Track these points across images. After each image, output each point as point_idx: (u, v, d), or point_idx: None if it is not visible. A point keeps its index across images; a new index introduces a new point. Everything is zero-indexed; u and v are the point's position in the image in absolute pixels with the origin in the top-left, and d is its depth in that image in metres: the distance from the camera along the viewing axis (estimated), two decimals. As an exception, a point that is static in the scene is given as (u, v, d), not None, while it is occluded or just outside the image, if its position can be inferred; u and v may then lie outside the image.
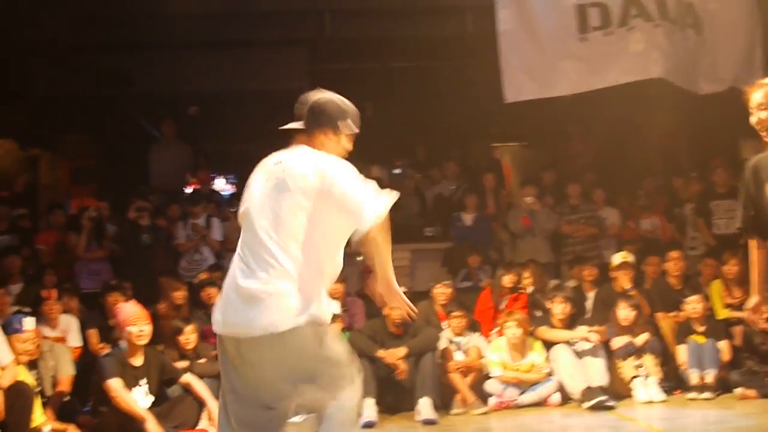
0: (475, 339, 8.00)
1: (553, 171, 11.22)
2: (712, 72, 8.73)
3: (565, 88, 8.62)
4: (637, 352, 7.75)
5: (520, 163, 13.75)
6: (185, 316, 7.73)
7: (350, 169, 3.58)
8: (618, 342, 7.81)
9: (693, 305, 7.92)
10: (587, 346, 7.72)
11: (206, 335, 7.69)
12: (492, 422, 7.20)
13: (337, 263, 3.68)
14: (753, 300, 4.46)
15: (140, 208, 9.59)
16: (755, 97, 4.21)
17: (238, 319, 3.52)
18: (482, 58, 9.54)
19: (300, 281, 3.49)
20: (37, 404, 6.14)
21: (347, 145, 3.82)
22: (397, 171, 15.02)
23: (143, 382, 6.48)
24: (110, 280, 8.70)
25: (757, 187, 4.34)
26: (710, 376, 7.50)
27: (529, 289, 8.80)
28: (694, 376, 7.55)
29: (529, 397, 7.61)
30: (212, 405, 6.37)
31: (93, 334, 8.02)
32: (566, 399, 7.63)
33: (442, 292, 8.32)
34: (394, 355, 7.39)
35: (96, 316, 8.27)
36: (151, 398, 6.51)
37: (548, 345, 7.86)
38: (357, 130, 3.81)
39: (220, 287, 3.93)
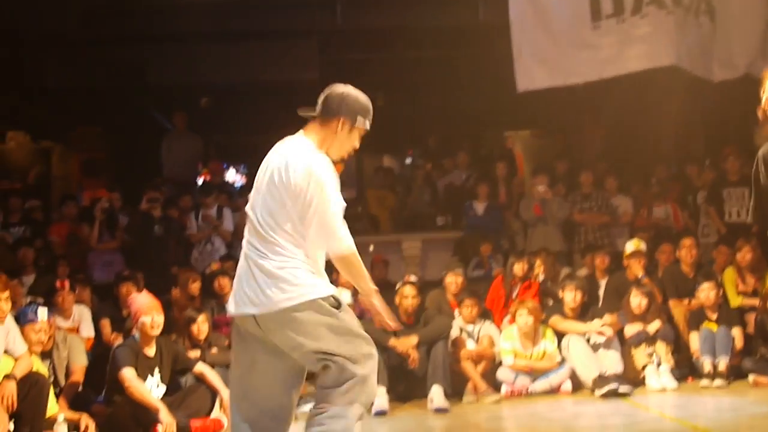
0: (486, 327, 8.00)
1: (565, 159, 11.20)
2: (726, 59, 8.67)
3: (578, 76, 8.58)
4: (650, 339, 7.74)
5: (532, 152, 13.70)
6: (198, 306, 7.77)
7: (335, 184, 3.75)
8: (630, 330, 7.81)
9: (706, 293, 7.89)
10: (601, 339, 7.69)
11: (218, 325, 7.73)
12: (504, 410, 7.20)
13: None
14: None
15: (152, 199, 9.62)
16: (769, 83, 4.17)
17: (255, 298, 3.70)
18: (494, 47, 9.52)
19: (308, 262, 3.74)
20: (51, 394, 6.17)
21: (356, 141, 3.93)
22: (408, 160, 15.06)
23: (156, 372, 6.49)
24: (122, 270, 8.72)
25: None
26: (723, 363, 7.47)
27: (541, 278, 8.79)
28: (706, 364, 7.52)
29: (541, 385, 7.61)
30: (225, 394, 6.34)
31: (105, 324, 8.05)
32: (577, 387, 7.62)
33: (453, 281, 8.35)
34: (406, 344, 7.38)
35: (108, 306, 8.30)
36: (164, 388, 6.53)
37: (560, 334, 7.85)
38: (368, 129, 3.94)
39: (231, 277, 4.06)
